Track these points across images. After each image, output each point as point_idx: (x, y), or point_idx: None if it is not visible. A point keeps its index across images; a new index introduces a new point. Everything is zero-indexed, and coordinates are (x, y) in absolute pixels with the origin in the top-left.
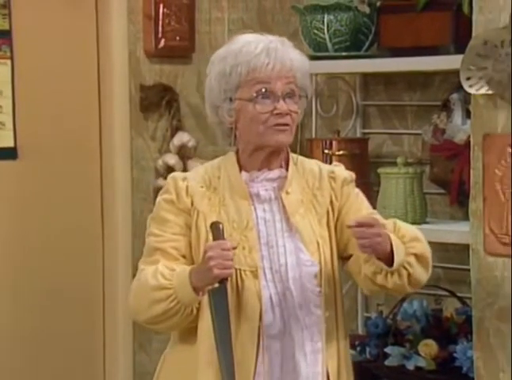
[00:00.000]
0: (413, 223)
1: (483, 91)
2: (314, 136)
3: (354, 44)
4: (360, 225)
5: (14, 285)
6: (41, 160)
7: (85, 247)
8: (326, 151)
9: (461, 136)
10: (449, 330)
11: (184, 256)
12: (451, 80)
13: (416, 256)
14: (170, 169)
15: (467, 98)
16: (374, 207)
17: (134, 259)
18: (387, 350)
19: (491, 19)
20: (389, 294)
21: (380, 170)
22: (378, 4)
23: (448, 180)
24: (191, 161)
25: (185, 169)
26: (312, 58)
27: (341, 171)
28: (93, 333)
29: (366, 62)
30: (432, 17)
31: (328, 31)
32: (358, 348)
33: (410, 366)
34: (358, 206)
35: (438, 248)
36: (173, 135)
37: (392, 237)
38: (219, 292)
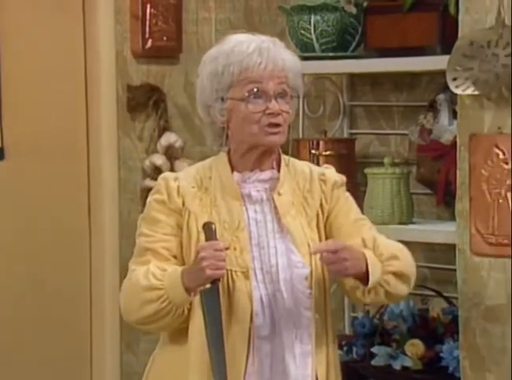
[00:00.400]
0: (400, 223)
1: (470, 91)
2: (301, 136)
3: (341, 45)
4: (320, 251)
5: (0, 285)
6: (28, 160)
7: (73, 247)
8: (313, 151)
9: (448, 136)
10: (436, 330)
11: (175, 257)
12: (437, 80)
13: (394, 273)
14: (157, 170)
15: (453, 99)
16: (361, 207)
17: (121, 259)
18: (374, 350)
19: (477, 19)
20: None
21: (367, 170)
22: (365, 4)
23: (435, 181)
24: (178, 162)
25: (172, 170)
26: (299, 58)
27: (331, 174)
28: (80, 333)
29: (353, 63)
30: (418, 17)
31: (315, 31)
32: (345, 348)
33: (397, 365)
34: (347, 210)
35: (425, 248)
36: (160, 136)
37: (369, 255)
38: (211, 293)
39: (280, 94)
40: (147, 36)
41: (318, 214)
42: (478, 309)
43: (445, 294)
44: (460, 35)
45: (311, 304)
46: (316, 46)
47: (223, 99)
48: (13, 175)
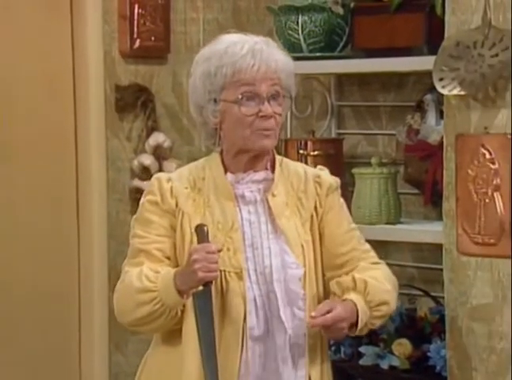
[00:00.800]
0: (387, 223)
1: (456, 92)
2: (289, 136)
3: (329, 45)
4: (317, 316)
5: None
6: (16, 160)
7: (61, 247)
8: (301, 151)
9: (435, 137)
10: (423, 329)
11: (168, 258)
12: (425, 81)
13: (381, 317)
14: (145, 170)
15: (440, 99)
16: (349, 208)
17: (109, 259)
18: (362, 349)
19: (464, 20)
20: None
21: (355, 170)
22: (352, 5)
23: (422, 181)
24: (167, 162)
25: (160, 170)
26: None
27: (326, 176)
28: (68, 334)
29: (340, 63)
30: (405, 18)
31: (302, 31)
32: (333, 348)
33: (385, 365)
34: (341, 219)
35: (412, 248)
36: (148, 136)
37: (360, 305)
38: (204, 295)
39: (272, 96)
40: (135, 36)
41: (312, 217)
42: (464, 308)
43: (433, 294)
44: (446, 35)
45: (305, 305)
46: (304, 46)
47: (215, 100)
48: (1, 176)
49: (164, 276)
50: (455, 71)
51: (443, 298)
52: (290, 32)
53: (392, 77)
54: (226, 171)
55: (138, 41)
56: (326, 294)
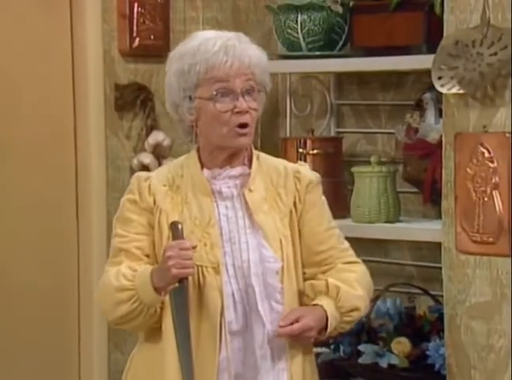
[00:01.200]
0: (386, 222)
1: (455, 90)
2: (288, 135)
3: (328, 44)
4: (284, 326)
5: None
6: (16, 159)
7: (60, 246)
8: (300, 150)
9: (434, 135)
10: (422, 328)
11: (148, 256)
12: (424, 79)
13: (352, 322)
14: (145, 168)
15: (439, 98)
16: (348, 206)
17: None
18: (361, 348)
19: (462, 19)
20: None
21: (354, 169)
22: (351, 4)
23: (421, 179)
24: (166, 160)
25: None
26: (286, 57)
27: (306, 171)
28: (68, 333)
29: (340, 62)
30: (404, 17)
31: (302, 30)
32: (332, 346)
33: (384, 363)
34: (321, 217)
35: (411, 246)
36: (148, 134)
37: (330, 311)
38: (179, 292)
39: (247, 91)
40: (134, 34)
41: (291, 212)
42: (463, 306)
43: (432, 292)
44: (445, 34)
45: (283, 299)
46: (303, 45)
47: (190, 98)
48: (1, 173)
49: (141, 274)
50: (454, 70)
51: (442, 296)
52: (289, 30)
53: (391, 75)
54: (203, 167)
55: (137, 40)
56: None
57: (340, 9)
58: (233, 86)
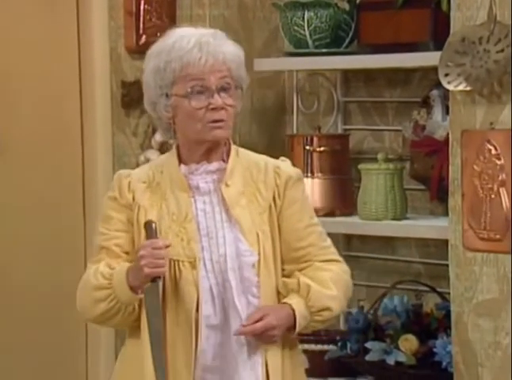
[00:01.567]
0: (393, 219)
1: (461, 87)
2: (295, 132)
3: (334, 41)
4: (248, 325)
5: None
6: (23, 156)
7: (67, 243)
8: (307, 147)
9: (441, 132)
10: (429, 325)
11: (127, 253)
12: (430, 76)
13: (323, 321)
14: None
15: (447, 94)
16: (355, 203)
17: None
18: (368, 345)
19: (469, 16)
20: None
21: (361, 166)
22: (358, 1)
23: (429, 176)
24: None
25: None
26: (293, 54)
27: (287, 167)
28: (75, 330)
29: (346, 59)
30: (411, 13)
31: (308, 27)
32: (339, 344)
33: (391, 361)
34: (301, 214)
35: (418, 243)
36: (154, 131)
37: (298, 310)
38: (152, 291)
39: (222, 88)
40: (140, 32)
41: (270, 207)
42: (470, 303)
43: (439, 290)
44: (451, 31)
45: (259, 292)
46: (310, 42)
47: (167, 95)
48: (8, 171)
49: (118, 273)
50: (460, 67)
51: (449, 293)
52: (296, 28)
53: (398, 72)
54: (181, 163)
55: (144, 37)
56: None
57: (347, 6)
58: (208, 83)
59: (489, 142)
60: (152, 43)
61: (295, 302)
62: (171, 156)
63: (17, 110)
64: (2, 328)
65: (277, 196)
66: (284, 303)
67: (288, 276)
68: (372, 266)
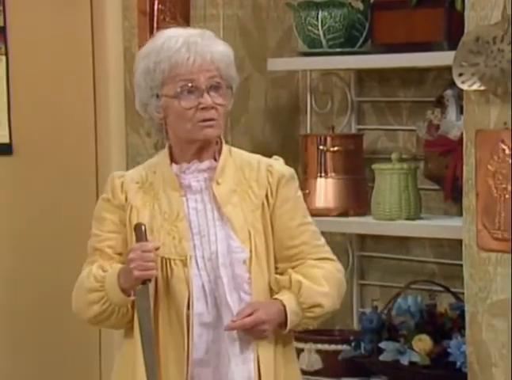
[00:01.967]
0: (407, 219)
1: (476, 87)
2: (309, 132)
3: (348, 40)
4: (236, 320)
5: (8, 282)
6: (36, 156)
7: (81, 244)
8: (320, 147)
9: (455, 132)
10: (443, 325)
11: (120, 254)
12: (445, 76)
13: (315, 318)
14: None
15: (461, 94)
16: (368, 204)
17: None
18: (382, 345)
19: (483, 16)
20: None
21: (375, 166)
22: (372, 0)
23: (443, 176)
24: None
25: None
26: (306, 54)
27: (279, 166)
28: (88, 331)
29: (360, 59)
30: (425, 13)
31: (322, 27)
32: (353, 344)
33: (405, 361)
34: (294, 213)
35: (432, 243)
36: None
37: (289, 306)
38: (142, 293)
39: (212, 87)
40: (154, 31)
41: (263, 205)
42: (484, 304)
43: (453, 290)
44: (466, 31)
45: (251, 289)
46: (323, 42)
47: (158, 96)
48: (22, 170)
49: (110, 276)
50: (474, 66)
51: (463, 293)
52: (310, 27)
53: (412, 72)
54: (174, 163)
55: None
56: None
57: (361, 6)
58: (197, 83)
59: (503, 141)
60: None
61: (286, 298)
62: (163, 156)
63: (31, 110)
64: (18, 327)
65: (269, 194)
66: (275, 299)
67: (281, 274)
68: (386, 266)
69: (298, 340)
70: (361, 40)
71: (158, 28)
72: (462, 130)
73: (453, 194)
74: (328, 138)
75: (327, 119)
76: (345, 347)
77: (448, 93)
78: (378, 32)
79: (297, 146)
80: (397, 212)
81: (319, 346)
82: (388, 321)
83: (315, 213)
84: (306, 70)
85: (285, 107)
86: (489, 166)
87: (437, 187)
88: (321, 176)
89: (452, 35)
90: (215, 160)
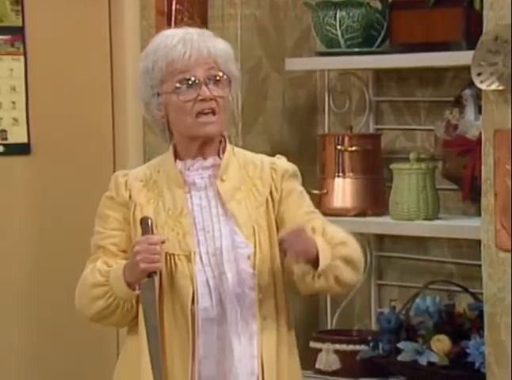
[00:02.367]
0: (425, 219)
1: (494, 86)
2: (326, 132)
3: (366, 40)
4: (286, 237)
5: (28, 281)
6: (54, 155)
7: None
8: (338, 147)
9: (474, 132)
10: (462, 326)
11: (124, 251)
12: (463, 76)
13: (343, 258)
14: None
15: (479, 94)
16: (386, 203)
17: None
18: (400, 345)
19: (502, 15)
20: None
21: (393, 166)
22: (390, 0)
23: (461, 176)
24: None
25: None
26: (324, 54)
27: (282, 163)
28: (107, 330)
29: (378, 58)
30: (443, 13)
31: (340, 27)
32: (371, 344)
33: (423, 361)
34: (300, 203)
35: (451, 243)
36: None
37: (320, 240)
38: (148, 286)
39: (210, 80)
40: None
41: (268, 201)
42: (503, 304)
43: (472, 290)
44: (484, 30)
45: (255, 284)
46: (341, 41)
47: (158, 94)
48: (40, 170)
49: (115, 270)
50: (493, 66)
51: (482, 294)
52: (328, 27)
53: (430, 72)
54: (177, 159)
55: None
56: (283, 276)
57: (379, 5)
58: (195, 76)
59: None
60: None
61: (314, 236)
62: (168, 154)
63: (49, 110)
64: (42, 326)
65: (274, 190)
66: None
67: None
68: (404, 266)
69: (316, 340)
70: (379, 40)
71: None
72: (480, 129)
73: (472, 194)
74: (346, 138)
75: (345, 119)
76: (363, 347)
77: (467, 92)
78: (396, 31)
79: (315, 145)
80: (415, 212)
81: (337, 346)
82: (407, 321)
83: (333, 213)
84: (324, 70)
85: (303, 107)
86: (507, 166)
87: (455, 187)
88: (339, 176)
89: (471, 34)
90: (219, 157)
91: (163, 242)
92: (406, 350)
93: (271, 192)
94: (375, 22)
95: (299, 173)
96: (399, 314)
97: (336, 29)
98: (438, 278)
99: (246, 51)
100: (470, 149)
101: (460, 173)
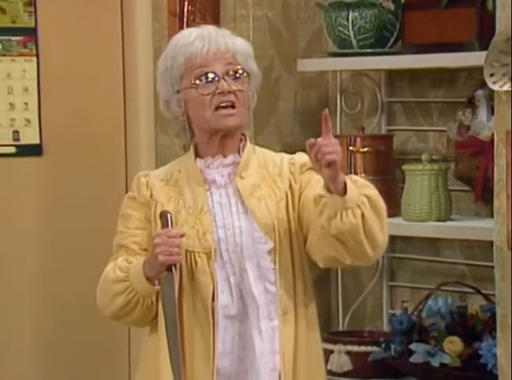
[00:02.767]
0: (437, 220)
1: (507, 87)
2: (338, 133)
3: (379, 41)
4: (315, 143)
5: (39, 281)
6: (66, 157)
7: (111, 243)
8: (350, 148)
9: (486, 133)
10: (474, 327)
11: (146, 250)
12: (476, 76)
13: (368, 198)
14: None
15: (492, 95)
16: (398, 205)
17: None
18: (412, 347)
19: None
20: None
21: (405, 167)
22: (402, 0)
23: (473, 177)
24: None
25: None
26: (337, 55)
27: (301, 158)
28: (118, 327)
29: (391, 59)
30: (456, 13)
31: (353, 28)
32: (383, 345)
33: (435, 363)
34: (319, 186)
35: (463, 245)
36: None
37: (346, 177)
38: (167, 280)
39: (229, 74)
40: None
41: (287, 195)
42: None
43: (484, 292)
44: (497, 31)
45: (275, 279)
46: (354, 42)
47: (178, 91)
48: (52, 171)
49: (136, 266)
50: (506, 67)
51: (494, 295)
52: (340, 28)
53: (443, 73)
54: (198, 157)
55: None
56: (304, 270)
57: (391, 6)
58: (213, 70)
59: None
60: None
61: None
62: (189, 154)
63: (61, 111)
64: (53, 325)
65: (293, 182)
66: None
67: None
68: (416, 267)
69: (328, 341)
70: (392, 41)
71: None
72: (493, 130)
73: (484, 195)
74: (358, 139)
75: (357, 120)
76: (375, 348)
77: (479, 93)
78: (409, 32)
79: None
80: (427, 213)
81: (349, 347)
82: (419, 322)
83: None
84: (336, 71)
85: (315, 107)
86: None
87: (467, 188)
88: None
89: (484, 35)
90: (239, 155)
91: (182, 235)
92: (419, 351)
93: (290, 185)
94: (387, 23)
95: None
96: (411, 316)
97: (348, 30)
98: (450, 279)
99: (258, 52)
100: (482, 150)
101: (472, 174)
